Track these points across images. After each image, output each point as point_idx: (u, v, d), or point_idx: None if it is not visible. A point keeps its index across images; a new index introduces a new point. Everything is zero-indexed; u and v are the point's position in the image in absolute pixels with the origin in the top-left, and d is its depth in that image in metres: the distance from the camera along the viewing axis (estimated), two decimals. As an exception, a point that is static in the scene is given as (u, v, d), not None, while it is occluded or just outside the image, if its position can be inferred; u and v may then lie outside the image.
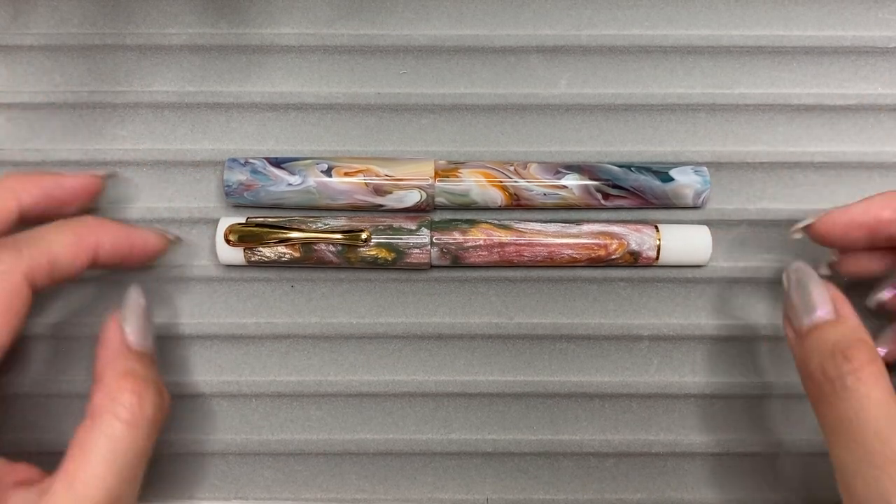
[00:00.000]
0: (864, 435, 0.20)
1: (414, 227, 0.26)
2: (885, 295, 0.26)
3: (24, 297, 0.22)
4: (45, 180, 0.25)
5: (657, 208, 0.28)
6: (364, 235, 0.26)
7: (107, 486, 0.20)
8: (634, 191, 0.27)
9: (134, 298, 0.24)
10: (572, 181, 0.27)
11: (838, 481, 0.21)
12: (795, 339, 0.23)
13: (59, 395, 0.27)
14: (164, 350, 0.27)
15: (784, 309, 0.24)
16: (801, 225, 0.25)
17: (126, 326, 0.23)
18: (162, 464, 0.27)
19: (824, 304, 0.23)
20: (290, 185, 0.26)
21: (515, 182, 0.27)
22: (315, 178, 0.26)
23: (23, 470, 0.22)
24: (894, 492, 0.19)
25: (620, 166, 0.27)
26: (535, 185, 0.27)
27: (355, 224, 0.26)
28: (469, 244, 0.26)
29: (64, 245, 0.23)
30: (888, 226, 0.24)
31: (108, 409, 0.21)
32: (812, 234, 0.25)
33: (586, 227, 0.27)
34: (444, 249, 0.26)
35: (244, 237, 0.26)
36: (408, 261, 0.26)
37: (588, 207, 0.27)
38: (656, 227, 0.27)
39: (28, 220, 0.24)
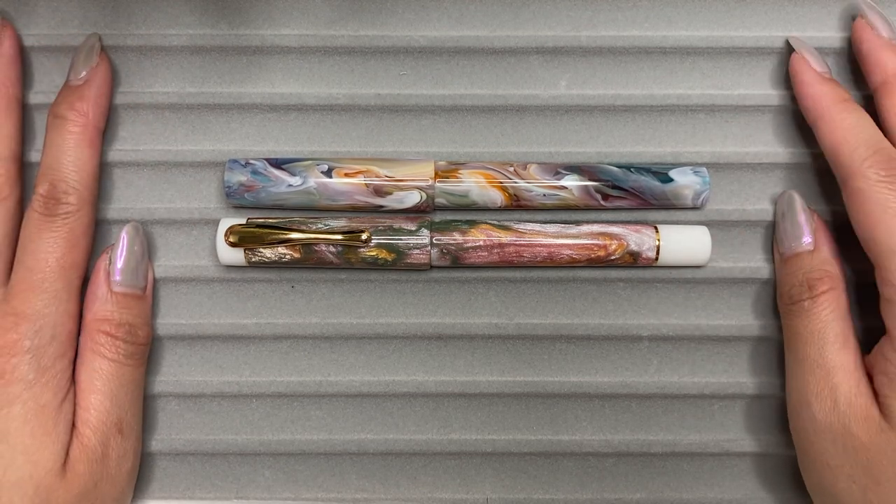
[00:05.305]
0: (806, 343, 0.24)
1: (414, 228, 0.26)
2: None
3: None
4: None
5: (657, 209, 0.28)
6: (364, 236, 0.26)
7: (106, 409, 0.24)
8: (634, 191, 0.27)
9: (125, 237, 0.26)
10: (572, 182, 0.27)
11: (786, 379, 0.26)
12: (779, 262, 0.27)
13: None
14: (164, 350, 0.28)
15: (774, 233, 0.27)
16: None
17: (113, 265, 0.25)
18: (162, 463, 0.27)
19: (806, 233, 0.26)
20: (290, 185, 0.26)
21: (515, 183, 0.27)
22: (315, 179, 0.26)
23: None
24: (813, 390, 0.24)
25: (620, 167, 0.27)
26: (535, 185, 0.27)
27: (355, 225, 0.26)
28: (469, 245, 0.26)
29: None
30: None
31: (89, 347, 0.24)
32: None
33: (586, 228, 0.27)
34: (444, 250, 0.26)
35: (245, 238, 0.26)
36: (408, 261, 0.26)
37: (588, 208, 0.27)
38: (656, 228, 0.27)
39: None
